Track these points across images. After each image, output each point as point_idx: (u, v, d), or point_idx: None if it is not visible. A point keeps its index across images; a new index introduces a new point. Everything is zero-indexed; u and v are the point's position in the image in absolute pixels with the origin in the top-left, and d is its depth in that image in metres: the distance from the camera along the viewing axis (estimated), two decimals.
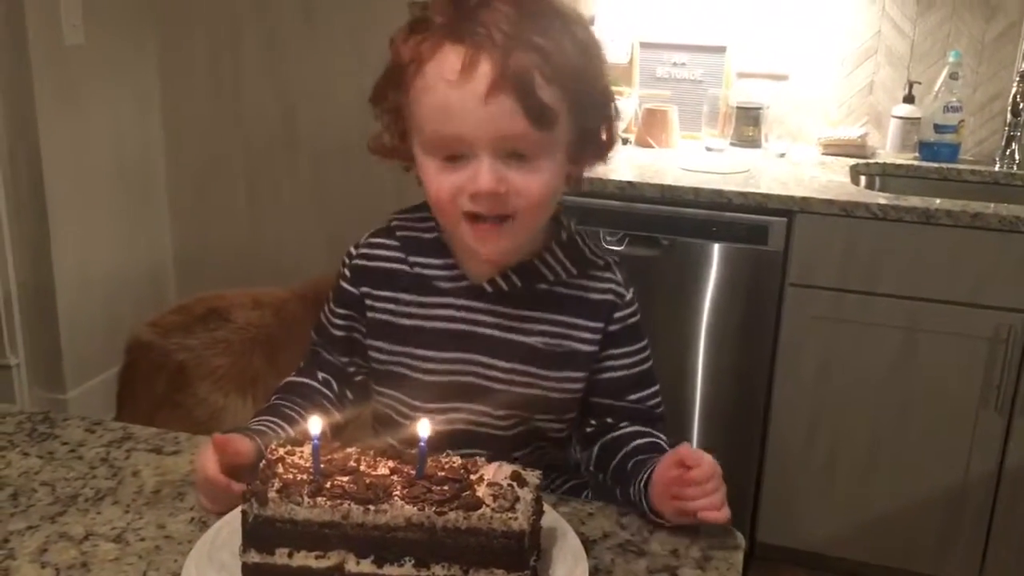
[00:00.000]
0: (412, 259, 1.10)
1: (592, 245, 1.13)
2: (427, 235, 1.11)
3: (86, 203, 2.83)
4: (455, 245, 1.09)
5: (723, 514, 0.94)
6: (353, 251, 1.14)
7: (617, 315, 1.10)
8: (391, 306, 1.10)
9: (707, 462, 0.94)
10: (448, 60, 0.94)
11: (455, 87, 0.93)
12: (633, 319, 1.12)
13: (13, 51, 2.58)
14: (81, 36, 2.72)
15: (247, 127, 3.04)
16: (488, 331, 1.07)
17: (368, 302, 1.11)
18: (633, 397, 1.12)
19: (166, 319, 2.31)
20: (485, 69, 0.92)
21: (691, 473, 0.93)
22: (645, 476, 1.00)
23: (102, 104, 2.85)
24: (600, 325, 1.09)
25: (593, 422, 1.13)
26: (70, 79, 2.72)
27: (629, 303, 1.12)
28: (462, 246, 1.07)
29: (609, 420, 1.12)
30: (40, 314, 2.78)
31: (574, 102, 0.98)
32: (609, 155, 1.08)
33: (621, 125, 2.59)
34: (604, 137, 1.05)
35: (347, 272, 1.14)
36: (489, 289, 1.07)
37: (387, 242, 1.12)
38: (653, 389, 1.14)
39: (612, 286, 1.11)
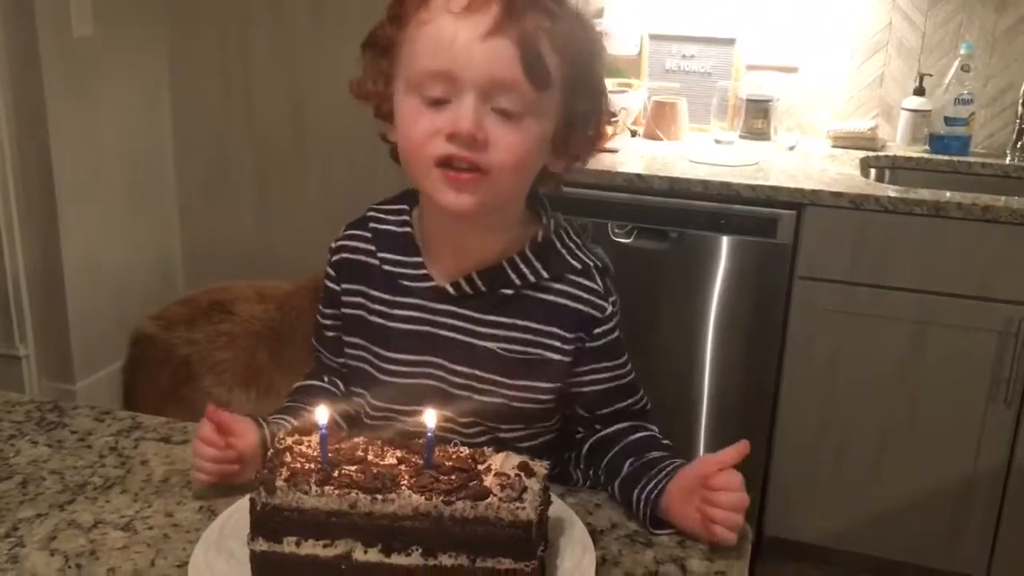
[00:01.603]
0: (381, 255, 1.07)
1: (576, 246, 1.06)
2: (398, 229, 1.07)
3: (95, 196, 2.84)
4: (424, 242, 1.05)
5: (734, 536, 0.92)
6: (332, 246, 1.12)
7: (597, 331, 1.04)
8: (362, 300, 1.08)
9: (740, 479, 0.92)
10: None
11: (458, 19, 0.91)
12: (613, 335, 1.06)
13: (22, 42, 2.58)
14: (90, 28, 2.72)
15: (256, 122, 3.04)
16: (449, 334, 1.03)
17: (344, 297, 1.09)
18: (617, 407, 1.08)
19: (170, 312, 2.30)
20: (494, 9, 0.91)
21: (726, 478, 0.92)
22: (659, 485, 0.96)
23: (111, 97, 2.85)
24: (574, 336, 1.03)
25: (581, 429, 1.09)
26: (79, 71, 2.72)
27: (610, 317, 1.05)
28: (431, 243, 1.05)
29: (597, 426, 1.08)
30: (49, 306, 2.79)
31: (570, 82, 0.96)
32: (593, 153, 1.04)
33: (630, 117, 2.58)
34: (592, 133, 1.02)
35: (329, 270, 1.12)
36: (452, 291, 1.03)
37: (361, 234, 1.10)
38: (636, 396, 1.10)
39: (591, 297, 1.04)
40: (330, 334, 1.13)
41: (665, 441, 1.07)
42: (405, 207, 1.08)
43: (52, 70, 2.62)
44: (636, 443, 1.05)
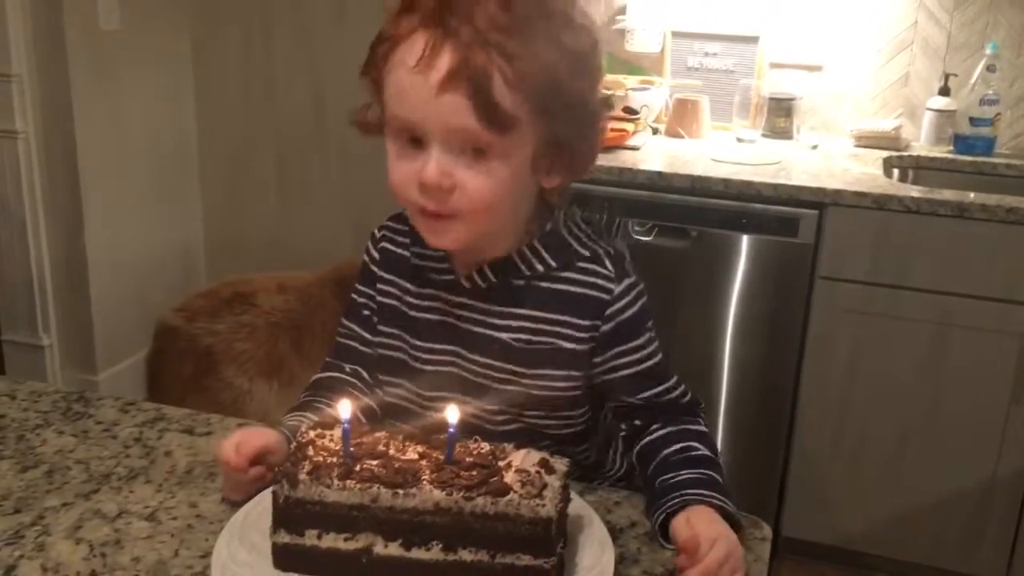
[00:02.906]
0: (414, 249, 1.10)
1: (586, 236, 1.07)
2: None
3: (119, 187, 2.86)
4: None
5: None
6: (376, 233, 1.16)
7: (608, 312, 1.04)
8: (396, 291, 1.12)
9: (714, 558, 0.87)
10: (416, 45, 0.92)
11: (413, 74, 0.92)
12: (628, 313, 1.05)
13: (49, 34, 2.60)
14: (117, 21, 2.74)
15: (278, 114, 3.06)
16: (466, 326, 1.07)
17: (379, 285, 1.13)
18: (648, 394, 1.07)
19: (193, 303, 2.33)
20: (444, 61, 0.90)
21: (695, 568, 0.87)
22: (661, 517, 0.96)
23: (137, 89, 2.87)
24: (589, 324, 1.04)
25: (623, 426, 1.10)
26: (106, 63, 2.74)
27: (619, 296, 1.04)
28: None
29: (637, 422, 1.09)
30: (72, 296, 2.81)
31: (542, 112, 0.94)
32: (585, 171, 1.03)
33: (651, 115, 2.58)
34: (581, 150, 1.00)
35: (373, 251, 1.15)
36: (466, 284, 1.06)
37: (401, 227, 1.13)
38: (669, 384, 1.09)
39: (598, 280, 1.04)
40: (366, 312, 1.15)
41: (699, 452, 1.03)
42: None
43: (78, 62, 2.64)
44: (668, 462, 1.03)
